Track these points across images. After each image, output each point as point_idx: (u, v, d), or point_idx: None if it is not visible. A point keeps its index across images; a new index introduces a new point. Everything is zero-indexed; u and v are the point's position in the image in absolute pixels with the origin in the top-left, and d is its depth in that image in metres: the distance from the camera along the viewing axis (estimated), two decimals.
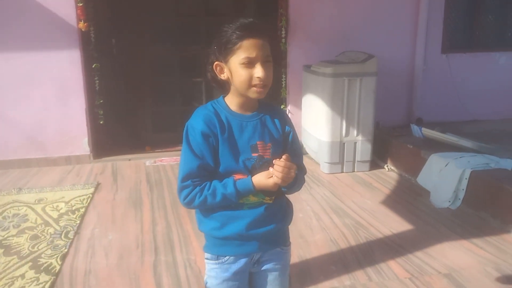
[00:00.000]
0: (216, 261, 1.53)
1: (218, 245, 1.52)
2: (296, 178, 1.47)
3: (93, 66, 4.75)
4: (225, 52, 1.41)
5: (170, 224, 3.36)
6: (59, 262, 2.84)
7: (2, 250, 3.01)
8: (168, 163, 4.87)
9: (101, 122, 4.91)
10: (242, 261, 1.53)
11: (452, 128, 4.73)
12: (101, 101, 4.87)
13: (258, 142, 1.47)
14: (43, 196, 3.96)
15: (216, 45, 1.44)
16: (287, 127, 1.56)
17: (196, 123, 1.44)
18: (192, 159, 1.42)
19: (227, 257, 1.52)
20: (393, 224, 3.36)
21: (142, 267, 2.78)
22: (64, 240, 3.14)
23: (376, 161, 4.74)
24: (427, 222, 3.41)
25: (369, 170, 4.56)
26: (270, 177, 1.42)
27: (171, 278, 2.63)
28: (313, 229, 3.29)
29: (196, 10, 5.02)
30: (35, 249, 3.02)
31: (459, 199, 3.56)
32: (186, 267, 2.76)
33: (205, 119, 1.43)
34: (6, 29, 4.47)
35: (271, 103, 1.58)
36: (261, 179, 1.43)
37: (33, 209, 3.68)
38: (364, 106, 4.37)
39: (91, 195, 3.96)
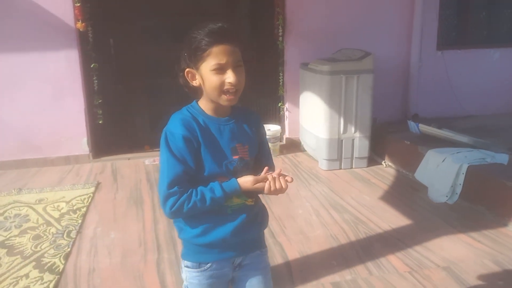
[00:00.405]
0: (198, 269, 1.51)
1: (200, 252, 1.51)
2: None
3: (91, 66, 4.77)
4: (195, 59, 1.40)
5: (171, 223, 3.35)
6: (63, 262, 2.86)
7: (6, 250, 3.04)
8: None
9: (100, 122, 4.93)
10: (224, 266, 1.54)
11: (447, 123, 4.78)
12: (100, 101, 4.88)
13: (237, 145, 1.48)
14: (43, 196, 3.97)
15: (186, 51, 1.43)
16: (260, 130, 1.59)
17: (175, 128, 1.42)
18: (176, 165, 1.39)
19: (209, 264, 1.51)
20: (392, 219, 3.41)
21: (146, 265, 2.81)
22: (66, 240, 3.16)
23: (374, 157, 4.79)
24: (425, 216, 3.46)
25: (367, 167, 4.61)
26: (257, 183, 1.43)
27: (175, 276, 2.66)
28: (313, 225, 3.33)
29: (190, 9, 5.04)
30: (38, 248, 3.05)
31: (457, 193, 3.61)
32: None
33: (184, 124, 1.42)
34: (3, 29, 4.48)
35: (243, 107, 1.59)
36: (250, 182, 1.43)
37: (34, 209, 3.70)
38: (361, 103, 4.41)
39: (91, 195, 3.98)
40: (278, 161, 4.90)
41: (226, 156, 1.46)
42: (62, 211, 3.65)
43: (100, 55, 4.85)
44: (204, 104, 1.49)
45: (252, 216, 1.53)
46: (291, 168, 4.63)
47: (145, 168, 4.73)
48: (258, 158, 1.57)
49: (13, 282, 2.64)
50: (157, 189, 1.43)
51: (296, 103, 5.19)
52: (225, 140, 1.46)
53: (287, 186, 1.44)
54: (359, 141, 4.51)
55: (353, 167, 4.58)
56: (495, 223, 3.27)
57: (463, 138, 4.13)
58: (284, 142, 5.36)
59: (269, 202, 3.74)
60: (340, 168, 4.55)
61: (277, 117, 5.42)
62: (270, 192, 1.43)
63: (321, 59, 4.60)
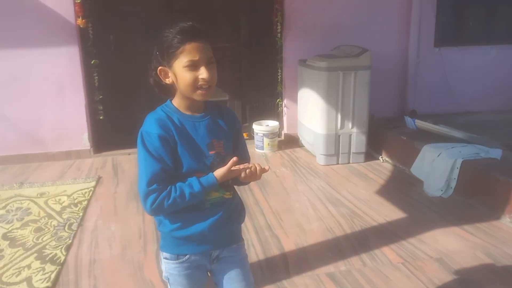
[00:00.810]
0: (176, 260, 1.57)
1: (178, 245, 1.55)
2: None
3: (92, 63, 4.82)
4: (168, 57, 1.44)
5: None
6: (64, 253, 2.92)
7: (8, 242, 3.10)
8: None
9: (101, 118, 4.99)
10: (202, 258, 1.59)
11: (444, 119, 4.83)
12: (101, 96, 4.94)
13: (213, 140, 1.52)
14: (45, 190, 4.04)
15: (158, 50, 1.47)
16: (235, 125, 1.63)
17: (150, 128, 1.45)
18: (153, 163, 1.43)
19: (187, 255, 1.56)
20: (387, 212, 3.47)
21: (146, 256, 2.87)
22: (67, 232, 3.22)
23: (371, 153, 4.84)
24: (420, 210, 3.52)
25: (364, 162, 4.67)
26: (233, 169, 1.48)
27: None
28: (310, 218, 3.39)
29: (189, 6, 5.09)
30: (40, 240, 3.11)
31: (451, 188, 3.67)
32: None
33: (159, 123, 1.45)
34: (4, 26, 4.53)
35: (217, 103, 1.63)
36: (224, 171, 1.48)
37: (35, 203, 3.76)
38: (359, 99, 4.47)
39: (92, 189, 4.04)
40: (277, 156, 4.96)
41: (203, 152, 1.50)
42: (64, 204, 3.72)
43: (100, 51, 4.90)
44: (178, 103, 1.53)
45: (229, 210, 1.58)
46: (289, 163, 4.69)
47: None
48: (234, 151, 1.60)
49: (16, 272, 2.70)
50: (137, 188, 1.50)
51: (294, 99, 5.25)
52: (200, 137, 1.50)
53: (262, 170, 1.50)
54: (356, 136, 4.56)
55: (350, 162, 4.64)
56: (488, 216, 3.33)
57: (459, 134, 4.19)
58: (282, 137, 5.42)
59: (266, 196, 3.81)
60: (338, 163, 4.61)
61: (276, 113, 5.47)
62: (246, 177, 1.48)
63: (319, 55, 4.65)
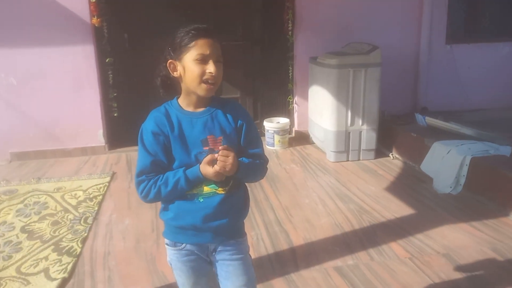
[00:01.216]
0: (174, 248, 1.65)
1: (175, 233, 1.64)
2: (247, 167, 1.58)
3: (106, 61, 4.92)
4: (180, 50, 1.52)
5: None
6: (80, 245, 3.03)
7: (26, 235, 3.21)
8: None
9: (115, 115, 5.09)
10: (199, 249, 1.65)
11: (456, 116, 4.82)
12: (115, 94, 5.05)
13: (208, 136, 1.56)
14: (61, 185, 4.15)
15: (170, 45, 1.55)
16: (239, 121, 1.61)
17: (148, 124, 1.58)
18: (145, 156, 1.55)
19: (184, 244, 1.63)
20: (396, 208, 3.51)
21: (158, 249, 2.95)
22: (83, 225, 3.33)
23: (381, 150, 4.87)
24: (428, 206, 3.55)
25: (374, 158, 4.70)
26: (210, 164, 1.50)
27: None
28: (319, 214, 3.45)
29: (201, 4, 5.16)
30: (57, 233, 3.22)
31: (460, 184, 3.69)
32: None
33: (155, 120, 1.57)
34: (23, 25, 4.65)
35: (225, 98, 1.67)
36: (203, 165, 1.52)
37: (52, 197, 3.88)
38: (369, 96, 4.50)
39: (107, 184, 4.15)
40: (287, 153, 5.02)
41: (196, 148, 1.56)
42: (79, 199, 3.82)
43: (115, 49, 5.00)
44: (182, 99, 1.61)
45: (224, 205, 1.59)
46: (300, 160, 4.74)
47: None
48: (241, 146, 1.62)
49: (34, 264, 2.81)
50: None
51: (305, 96, 5.29)
52: (195, 132, 1.56)
53: (226, 153, 1.49)
54: (366, 133, 4.59)
55: (361, 159, 4.67)
56: (497, 212, 3.35)
57: (469, 131, 4.20)
58: (293, 134, 5.48)
59: (276, 192, 3.87)
60: (348, 160, 4.65)
61: (287, 110, 5.53)
62: (222, 169, 1.49)
63: (330, 53, 4.69)
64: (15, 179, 4.33)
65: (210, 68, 1.50)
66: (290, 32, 5.16)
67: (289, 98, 5.43)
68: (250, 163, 1.61)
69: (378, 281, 2.54)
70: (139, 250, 2.96)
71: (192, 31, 1.51)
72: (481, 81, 5.60)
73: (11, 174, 4.53)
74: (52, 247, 3.02)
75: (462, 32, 5.64)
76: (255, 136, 1.68)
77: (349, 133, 4.57)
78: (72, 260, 2.83)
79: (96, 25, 4.75)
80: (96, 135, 5.07)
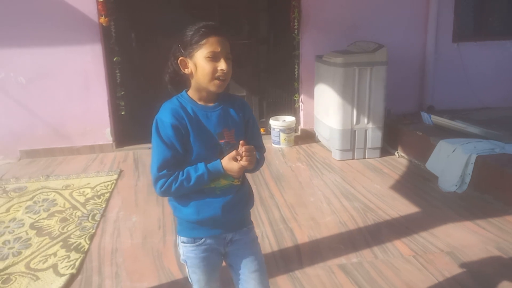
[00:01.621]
0: (193, 244, 1.67)
1: (193, 229, 1.66)
2: (258, 161, 1.65)
3: (114, 60, 4.98)
4: (191, 47, 1.55)
5: None
6: (88, 242, 3.07)
7: (35, 231, 3.27)
8: None
9: (123, 113, 5.15)
10: (217, 241, 1.69)
11: (462, 115, 4.82)
12: (122, 92, 5.10)
13: (223, 130, 1.61)
14: (70, 183, 4.21)
15: (181, 43, 1.58)
16: (247, 115, 1.70)
17: (164, 116, 1.56)
18: (165, 150, 1.55)
19: (203, 239, 1.67)
20: (401, 207, 3.52)
21: (164, 246, 3.00)
22: (91, 222, 3.38)
23: (387, 148, 4.87)
24: (433, 205, 3.56)
25: (380, 157, 4.71)
26: (235, 160, 1.56)
27: None
28: (324, 212, 3.47)
29: (209, 2, 5.19)
30: (65, 230, 3.27)
31: (465, 183, 3.70)
32: None
33: (173, 113, 1.56)
34: (32, 25, 4.71)
35: (231, 94, 1.71)
36: (228, 163, 1.57)
37: (61, 195, 3.93)
38: (375, 94, 4.50)
39: (115, 181, 4.20)
40: (293, 151, 5.04)
41: (213, 141, 1.60)
42: (87, 196, 3.88)
43: (122, 48, 5.05)
44: (192, 94, 1.64)
45: (239, 195, 1.68)
46: (305, 158, 4.77)
47: None
48: (249, 138, 1.68)
49: (43, 259, 2.86)
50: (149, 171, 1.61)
51: (311, 95, 5.31)
52: (212, 126, 1.60)
53: (251, 148, 1.57)
54: (372, 132, 4.61)
55: (366, 157, 4.69)
56: (502, 211, 3.35)
57: (475, 129, 4.20)
58: (299, 133, 5.50)
59: (282, 190, 3.90)
60: (353, 158, 4.67)
61: (292, 109, 5.55)
62: (249, 163, 1.56)
63: (335, 51, 4.70)
64: (25, 177, 4.40)
65: (222, 65, 1.54)
66: (296, 31, 5.18)
67: (295, 96, 5.45)
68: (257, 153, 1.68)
69: (382, 279, 2.56)
70: (146, 246, 3.00)
71: (202, 29, 1.54)
72: (488, 80, 5.59)
73: (20, 171, 4.60)
74: (61, 243, 3.08)
75: (469, 30, 5.63)
76: (258, 129, 1.79)
77: (355, 131, 4.58)
78: (80, 256, 2.88)
79: (104, 24, 4.80)
80: (104, 133, 5.12)
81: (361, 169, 4.40)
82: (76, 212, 3.56)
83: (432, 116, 4.66)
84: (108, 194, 3.90)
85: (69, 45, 4.83)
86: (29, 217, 3.50)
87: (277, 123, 5.15)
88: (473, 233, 3.06)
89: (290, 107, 5.57)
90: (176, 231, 1.73)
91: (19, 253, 2.95)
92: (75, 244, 3.05)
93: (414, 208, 3.50)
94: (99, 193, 3.94)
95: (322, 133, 5.05)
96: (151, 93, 5.46)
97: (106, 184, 4.14)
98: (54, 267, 2.76)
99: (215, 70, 1.54)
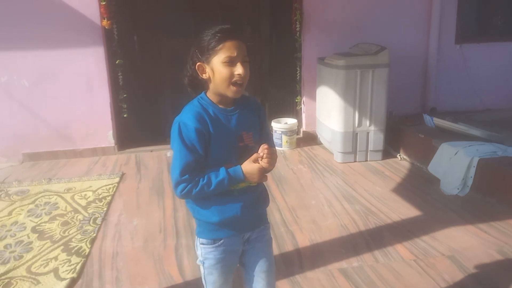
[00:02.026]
0: (213, 245, 1.69)
1: (213, 230, 1.67)
2: None
3: (116, 62, 4.99)
4: (208, 53, 1.55)
5: (189, 211, 3.56)
6: (89, 246, 3.08)
7: (36, 235, 3.27)
8: None
9: (125, 116, 5.16)
10: (235, 241, 1.71)
11: (465, 117, 4.80)
12: (125, 95, 5.11)
13: (242, 133, 1.63)
14: (71, 186, 4.22)
15: (198, 48, 1.59)
16: (261, 117, 1.74)
17: (188, 120, 1.56)
18: (187, 154, 1.55)
19: (222, 240, 1.68)
20: (402, 210, 3.51)
21: (165, 250, 3.00)
22: (92, 226, 3.38)
23: (389, 150, 4.86)
24: (435, 208, 3.55)
25: (382, 159, 4.69)
26: (256, 162, 1.59)
27: (192, 260, 2.84)
28: (325, 215, 3.46)
29: (211, 5, 5.19)
30: (66, 234, 3.27)
31: (468, 186, 3.68)
32: None
33: (196, 116, 1.56)
34: (35, 28, 4.74)
35: (245, 95, 1.70)
36: (248, 165, 1.59)
37: (63, 198, 3.94)
38: (377, 97, 4.49)
39: (116, 184, 4.21)
40: (295, 153, 5.03)
41: (233, 144, 1.62)
42: (89, 199, 3.88)
43: (124, 51, 5.06)
44: (212, 96, 1.64)
45: (256, 195, 1.71)
46: (307, 161, 4.76)
47: (167, 159, 4.94)
48: (260, 140, 1.70)
49: (44, 263, 2.87)
50: (169, 174, 1.61)
51: (313, 97, 5.30)
52: (232, 129, 1.62)
53: (274, 150, 1.60)
54: (373, 134, 4.59)
55: (368, 160, 4.68)
56: (505, 214, 3.33)
57: (477, 132, 4.18)
58: (301, 135, 5.49)
59: (283, 193, 3.89)
60: (355, 161, 4.65)
61: (295, 111, 5.54)
62: (270, 165, 1.59)
63: (337, 53, 4.69)
64: (27, 180, 4.41)
65: (238, 69, 1.55)
66: (298, 33, 5.17)
67: (297, 98, 5.44)
68: None
69: (382, 283, 2.55)
70: (146, 250, 3.01)
71: (218, 34, 1.54)
72: (491, 81, 5.57)
73: (23, 174, 4.62)
74: (62, 247, 3.08)
75: (472, 32, 5.60)
76: (270, 130, 1.86)
77: (357, 134, 4.57)
78: (81, 260, 2.88)
79: (106, 27, 4.82)
80: (106, 135, 5.14)
81: (363, 172, 4.38)
82: (77, 216, 3.57)
83: (434, 118, 4.65)
84: (109, 197, 3.90)
85: (71, 48, 4.84)
86: (30, 220, 3.52)
87: (279, 125, 5.14)
88: (475, 236, 3.05)
89: (292, 109, 5.57)
90: (196, 233, 1.74)
91: (21, 257, 2.96)
92: (76, 248, 3.05)
93: (416, 211, 3.49)
94: (100, 196, 3.94)
95: (324, 136, 5.04)
96: (153, 96, 5.51)
97: (108, 187, 4.15)
98: (55, 271, 2.77)
99: (232, 75, 1.55)
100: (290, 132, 5.12)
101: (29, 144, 5.01)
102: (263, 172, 1.60)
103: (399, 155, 4.76)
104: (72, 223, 3.45)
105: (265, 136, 1.75)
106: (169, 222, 3.39)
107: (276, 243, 3.03)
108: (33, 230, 3.35)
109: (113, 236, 3.23)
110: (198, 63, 1.60)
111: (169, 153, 5.13)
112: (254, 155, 1.59)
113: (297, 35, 5.19)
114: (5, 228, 3.39)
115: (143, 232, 3.26)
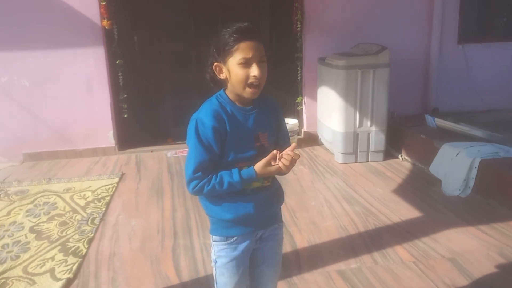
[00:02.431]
0: (225, 242, 1.68)
1: (226, 227, 1.67)
2: None
3: (116, 63, 4.98)
4: (224, 54, 1.53)
5: (188, 211, 3.56)
6: (86, 246, 3.06)
7: (34, 235, 3.26)
8: None
9: (125, 116, 5.15)
10: (248, 239, 1.70)
11: (467, 118, 4.76)
12: (125, 95, 5.10)
13: (259, 133, 1.62)
14: (71, 186, 4.21)
15: (215, 47, 1.57)
16: (279, 117, 1.73)
17: (206, 118, 1.54)
18: (202, 152, 1.54)
19: (235, 237, 1.67)
20: (403, 211, 3.47)
21: (163, 250, 2.98)
22: (90, 226, 3.37)
23: (391, 151, 4.83)
24: (436, 209, 3.51)
25: (383, 160, 4.66)
26: (272, 164, 1.56)
27: (189, 261, 2.82)
28: (324, 216, 3.43)
29: (211, 6, 5.18)
30: (64, 234, 3.26)
31: (469, 187, 3.64)
32: (202, 250, 2.95)
33: (214, 114, 1.54)
34: (35, 28, 4.74)
35: (264, 94, 1.67)
36: (262, 166, 1.57)
37: (62, 198, 3.93)
38: (378, 97, 4.46)
39: (116, 185, 4.19)
40: None
41: (249, 144, 1.60)
42: (88, 199, 3.87)
43: (125, 51, 5.05)
44: (230, 95, 1.63)
45: (269, 194, 1.70)
46: (308, 161, 4.73)
47: (167, 160, 4.93)
48: (277, 139, 1.70)
49: (40, 264, 2.85)
50: (183, 170, 1.59)
51: (314, 97, 5.28)
52: (249, 129, 1.60)
53: (297, 155, 1.58)
54: (375, 135, 4.56)
55: (369, 160, 4.64)
56: (506, 216, 3.29)
57: (479, 132, 4.14)
58: (302, 135, 5.46)
59: (284, 194, 3.86)
60: (356, 162, 4.62)
61: (296, 111, 5.51)
62: (286, 169, 1.57)
63: (338, 54, 4.66)
64: (27, 180, 4.41)
65: (254, 71, 1.52)
66: (298, 33, 5.15)
67: (298, 99, 5.41)
68: None
69: (380, 285, 2.52)
70: (144, 251, 2.99)
71: (234, 34, 1.51)
72: (494, 82, 5.52)
73: (23, 174, 4.61)
74: (59, 247, 3.07)
75: (474, 32, 5.56)
76: (287, 129, 1.82)
77: (358, 134, 4.54)
78: (78, 261, 2.87)
79: (106, 27, 4.81)
80: (106, 136, 5.13)
81: (363, 173, 4.35)
82: (76, 216, 3.56)
83: (436, 119, 4.61)
84: (108, 198, 3.89)
85: (72, 48, 4.84)
86: (29, 220, 3.51)
87: None
88: (476, 238, 3.01)
89: (293, 110, 5.54)
90: (209, 230, 1.74)
91: (17, 257, 2.95)
92: (73, 248, 3.04)
93: (416, 212, 3.46)
94: (99, 196, 3.93)
95: (325, 136, 5.01)
96: (153, 96, 5.49)
97: (107, 187, 4.13)
98: (51, 271, 2.75)
99: (247, 76, 1.52)
100: (291, 133, 5.09)
101: (30, 144, 5.01)
102: (276, 172, 1.59)
103: (401, 156, 4.72)
104: (70, 223, 3.44)
105: (282, 137, 1.73)
106: (167, 223, 3.37)
107: None
108: (31, 230, 3.34)
109: (110, 236, 3.21)
110: (215, 63, 1.58)
111: (169, 153, 5.12)
112: (269, 156, 1.56)
113: (298, 35, 5.16)
114: (3, 228, 3.39)
115: (140, 233, 3.25)
